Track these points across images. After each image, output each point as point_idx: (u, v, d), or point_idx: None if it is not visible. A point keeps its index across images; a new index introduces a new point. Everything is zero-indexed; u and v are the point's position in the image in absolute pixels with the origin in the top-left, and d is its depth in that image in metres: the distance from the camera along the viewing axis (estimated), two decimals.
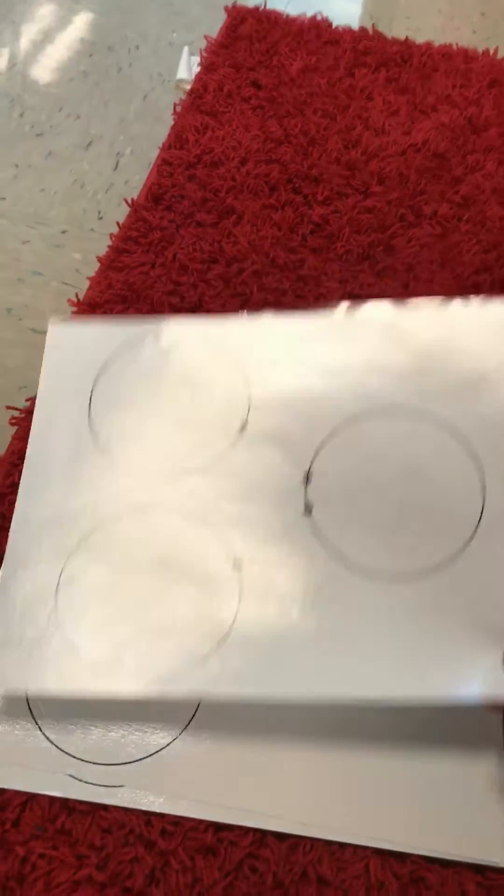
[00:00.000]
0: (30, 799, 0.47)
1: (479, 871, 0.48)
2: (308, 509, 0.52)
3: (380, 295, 0.74)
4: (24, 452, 0.60)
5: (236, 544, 0.52)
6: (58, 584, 0.51)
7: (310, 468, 0.53)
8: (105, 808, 0.47)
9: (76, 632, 0.50)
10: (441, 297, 0.57)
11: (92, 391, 0.59)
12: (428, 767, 0.50)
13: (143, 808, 0.47)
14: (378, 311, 0.59)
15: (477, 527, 0.49)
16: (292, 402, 0.56)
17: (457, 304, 0.58)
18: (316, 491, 0.53)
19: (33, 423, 0.58)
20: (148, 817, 0.47)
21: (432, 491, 0.51)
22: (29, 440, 0.58)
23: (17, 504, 0.55)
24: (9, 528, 0.56)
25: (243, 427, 0.56)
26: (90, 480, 0.55)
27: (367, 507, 0.51)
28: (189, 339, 0.60)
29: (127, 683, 0.47)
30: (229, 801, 0.48)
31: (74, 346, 0.61)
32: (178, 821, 0.47)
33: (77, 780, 0.48)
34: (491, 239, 0.80)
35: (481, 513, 0.50)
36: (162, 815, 0.47)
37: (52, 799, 0.47)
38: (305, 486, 0.53)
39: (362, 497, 0.52)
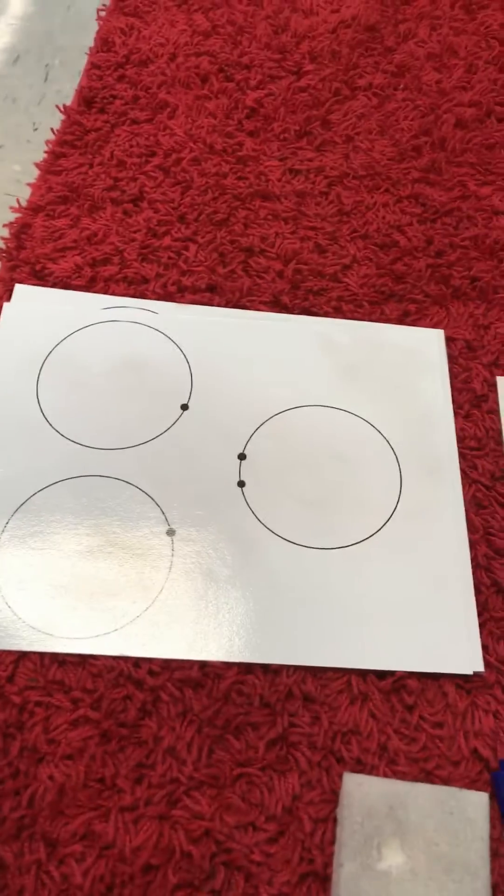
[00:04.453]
0: (21, 656, 0.49)
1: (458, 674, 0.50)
2: (241, 484, 0.56)
3: (320, 168, 0.74)
4: None
5: (172, 513, 0.55)
6: None
7: (244, 448, 0.58)
8: (94, 657, 0.49)
9: (15, 592, 0.51)
10: (365, 320, 0.65)
11: (42, 365, 0.61)
12: (398, 592, 0.53)
13: (131, 654, 0.49)
14: (312, 323, 0.64)
15: (395, 509, 0.56)
16: (231, 390, 0.61)
17: (377, 326, 0.64)
18: (249, 469, 0.57)
19: None
20: (136, 660, 0.49)
21: (355, 477, 0.57)
22: None
23: None
24: None
25: (185, 407, 0.59)
26: (34, 448, 0.57)
27: (296, 487, 0.57)
28: (137, 324, 0.63)
29: (61, 643, 0.49)
30: (209, 644, 0.50)
31: (31, 316, 0.63)
32: (164, 663, 0.49)
33: (61, 638, 0.50)
34: (428, 103, 0.79)
35: (397, 500, 0.56)
36: (149, 660, 0.49)
37: (41, 654, 0.49)
38: (240, 464, 0.57)
39: (292, 478, 0.57)
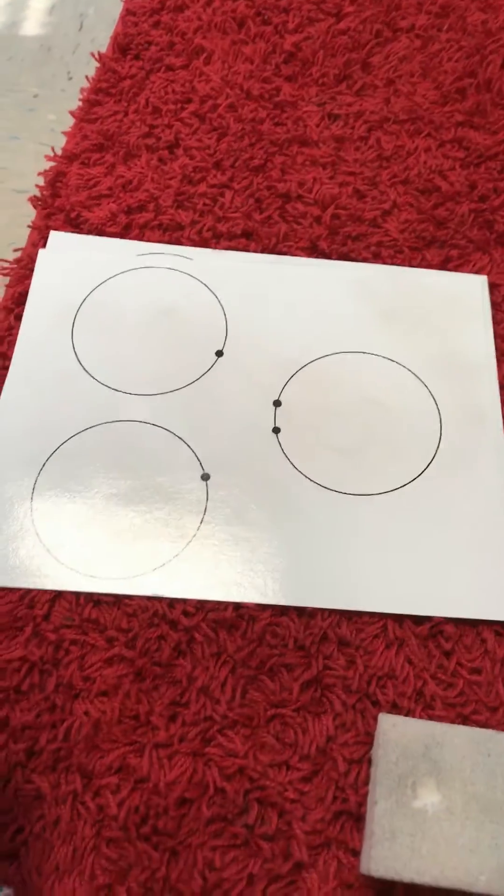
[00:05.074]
0: (57, 596, 0.49)
1: (497, 620, 0.49)
2: (276, 430, 0.55)
3: (360, 113, 0.72)
4: (17, 297, 0.61)
5: (207, 458, 0.54)
6: (34, 488, 0.53)
7: (280, 395, 0.57)
8: (129, 597, 0.49)
9: (51, 534, 0.51)
10: (405, 266, 0.63)
11: (77, 311, 0.60)
12: (436, 539, 0.52)
13: (165, 595, 0.49)
14: (346, 268, 0.62)
15: (434, 456, 0.54)
16: (266, 337, 0.59)
17: (417, 272, 0.63)
18: (285, 415, 0.56)
19: (20, 333, 0.59)
20: (170, 601, 0.49)
21: (393, 424, 0.56)
22: (15, 348, 0.59)
23: None
24: (9, 367, 0.58)
25: (220, 354, 0.58)
26: (69, 393, 0.56)
27: (332, 433, 0.55)
28: (172, 270, 0.62)
29: (96, 583, 0.49)
30: (244, 586, 0.49)
31: (66, 263, 0.62)
32: (198, 604, 0.49)
33: (96, 578, 0.50)
34: (473, 44, 0.76)
35: (437, 447, 0.55)
36: (184, 601, 0.49)
37: (77, 594, 0.49)
38: (275, 411, 0.56)
39: (327, 424, 0.56)
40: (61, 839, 0.43)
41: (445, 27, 0.78)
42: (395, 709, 0.46)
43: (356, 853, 0.42)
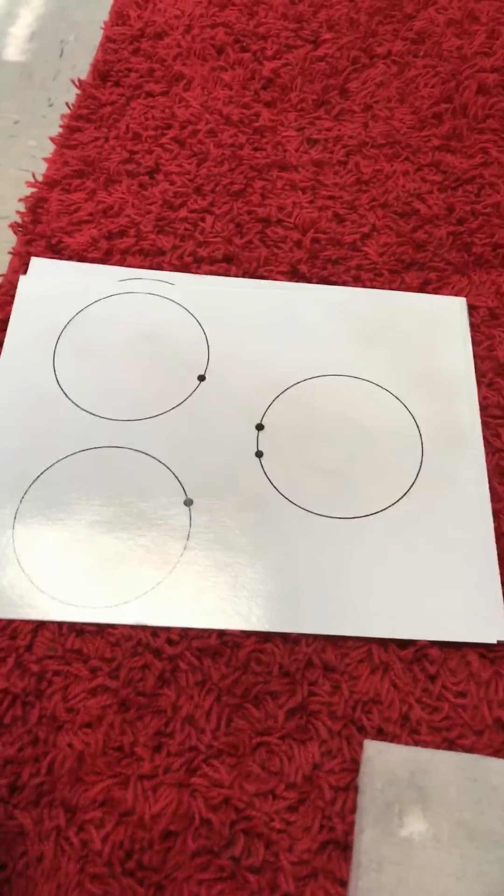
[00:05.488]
0: (39, 626, 0.49)
1: (481, 643, 0.49)
2: (259, 454, 0.55)
3: (339, 137, 0.73)
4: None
5: (190, 483, 0.54)
6: (15, 515, 0.52)
7: (262, 419, 0.57)
8: (112, 626, 0.49)
9: (33, 563, 0.51)
10: (385, 289, 0.63)
11: (59, 337, 0.60)
12: (419, 561, 0.52)
13: (149, 623, 0.49)
14: (327, 292, 0.63)
15: (416, 479, 0.55)
16: (248, 361, 0.60)
17: (396, 294, 0.63)
18: (267, 439, 0.56)
19: (1, 360, 0.59)
20: (154, 630, 0.49)
21: (375, 446, 0.56)
22: None
23: None
24: None
25: (202, 378, 0.59)
26: (51, 419, 0.56)
27: (315, 456, 0.56)
28: (153, 295, 0.63)
29: (79, 612, 0.49)
30: (228, 613, 0.49)
31: (47, 289, 0.62)
32: (182, 632, 0.49)
33: (79, 607, 0.49)
34: (449, 69, 0.78)
35: (418, 469, 0.55)
36: (167, 629, 0.49)
37: (59, 624, 0.49)
38: (258, 434, 0.56)
39: (311, 448, 0.56)
40: (45, 876, 0.42)
41: (422, 53, 0.79)
42: (380, 734, 0.46)
43: (343, 883, 0.41)
